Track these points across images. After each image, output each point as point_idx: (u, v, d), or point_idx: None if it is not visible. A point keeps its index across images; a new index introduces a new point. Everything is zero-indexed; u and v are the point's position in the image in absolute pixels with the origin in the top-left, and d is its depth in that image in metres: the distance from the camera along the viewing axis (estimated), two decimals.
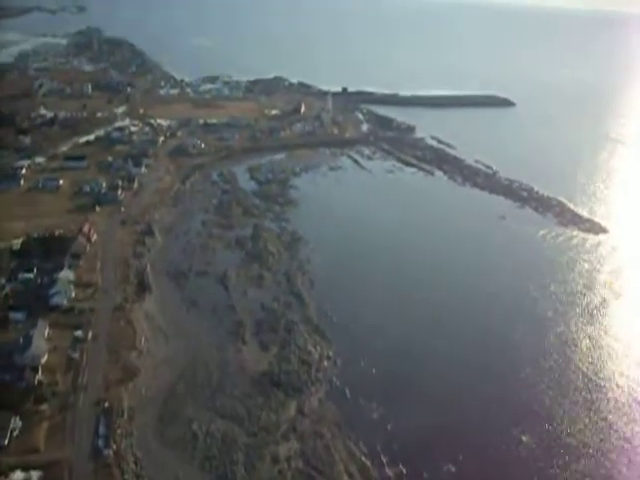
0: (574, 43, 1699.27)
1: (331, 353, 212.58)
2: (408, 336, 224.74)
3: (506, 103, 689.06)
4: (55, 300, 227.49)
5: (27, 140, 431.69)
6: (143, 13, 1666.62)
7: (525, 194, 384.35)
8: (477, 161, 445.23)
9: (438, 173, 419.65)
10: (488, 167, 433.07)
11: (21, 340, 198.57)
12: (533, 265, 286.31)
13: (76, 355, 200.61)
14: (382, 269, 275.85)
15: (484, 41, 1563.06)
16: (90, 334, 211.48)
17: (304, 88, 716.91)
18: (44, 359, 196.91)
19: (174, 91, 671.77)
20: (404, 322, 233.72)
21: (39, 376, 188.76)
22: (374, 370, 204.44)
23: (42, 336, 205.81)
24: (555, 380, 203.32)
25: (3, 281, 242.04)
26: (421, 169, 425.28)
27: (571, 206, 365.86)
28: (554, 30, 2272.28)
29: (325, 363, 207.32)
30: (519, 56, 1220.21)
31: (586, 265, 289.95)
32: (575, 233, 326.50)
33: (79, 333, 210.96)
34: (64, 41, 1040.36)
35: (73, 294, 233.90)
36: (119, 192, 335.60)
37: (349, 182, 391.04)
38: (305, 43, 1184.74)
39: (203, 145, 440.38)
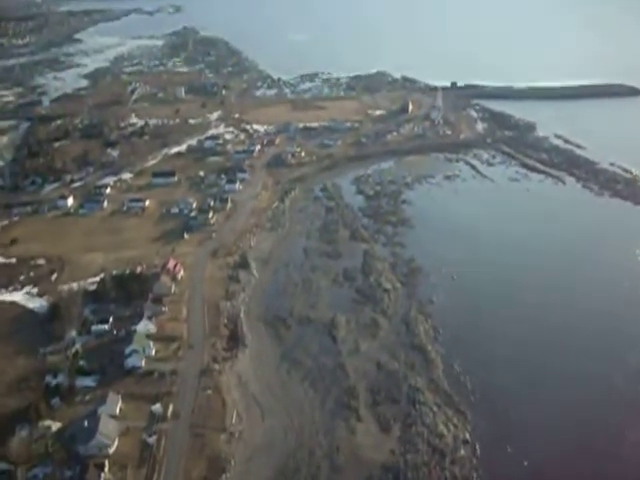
0: None
1: (468, 435, 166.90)
2: (567, 406, 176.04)
3: (633, 92, 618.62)
4: (131, 362, 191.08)
5: (115, 153, 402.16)
6: (239, 11, 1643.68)
7: None
8: (612, 164, 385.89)
9: (569, 180, 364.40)
10: (627, 171, 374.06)
11: (86, 423, 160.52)
12: None
13: (152, 440, 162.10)
14: (521, 309, 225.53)
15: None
16: (171, 409, 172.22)
17: (409, 83, 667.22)
18: (113, 447, 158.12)
19: (271, 92, 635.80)
20: (558, 384, 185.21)
21: (105, 474, 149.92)
22: (526, 461, 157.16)
23: (112, 414, 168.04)
24: None
25: (74, 334, 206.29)
26: (549, 175, 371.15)
27: None
28: None
29: (462, 451, 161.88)
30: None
31: None
32: None
33: (157, 408, 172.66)
34: (159, 42, 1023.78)
35: (153, 352, 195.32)
36: (210, 215, 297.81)
37: (469, 194, 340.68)
38: (405, 35, 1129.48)
39: (303, 154, 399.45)
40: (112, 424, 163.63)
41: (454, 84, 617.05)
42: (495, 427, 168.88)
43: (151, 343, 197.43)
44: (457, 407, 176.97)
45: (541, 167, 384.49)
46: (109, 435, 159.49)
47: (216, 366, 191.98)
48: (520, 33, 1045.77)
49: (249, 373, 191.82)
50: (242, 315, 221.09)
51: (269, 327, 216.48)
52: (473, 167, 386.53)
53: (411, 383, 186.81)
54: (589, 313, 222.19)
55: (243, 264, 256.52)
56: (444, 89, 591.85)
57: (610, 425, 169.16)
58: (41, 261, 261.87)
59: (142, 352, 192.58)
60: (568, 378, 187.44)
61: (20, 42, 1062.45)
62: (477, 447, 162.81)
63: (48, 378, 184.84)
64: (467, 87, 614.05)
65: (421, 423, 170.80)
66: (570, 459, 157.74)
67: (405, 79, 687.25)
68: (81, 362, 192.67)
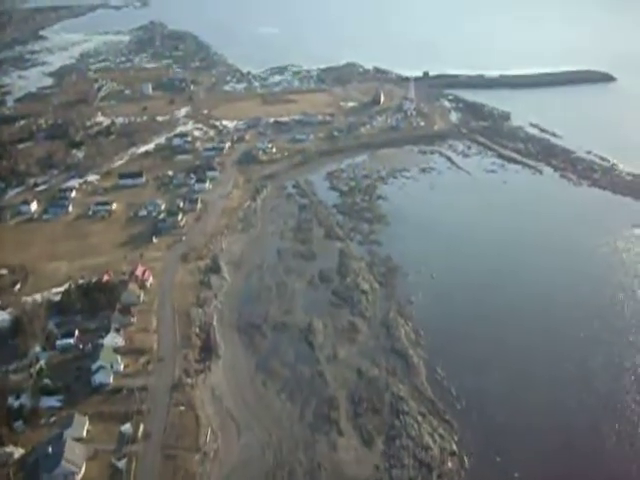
0: None
1: (455, 446, 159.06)
2: (558, 412, 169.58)
3: (606, 78, 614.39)
4: (98, 379, 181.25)
5: (80, 154, 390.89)
6: (209, 4, 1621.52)
7: None
8: (589, 152, 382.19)
9: (547, 170, 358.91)
10: (604, 159, 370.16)
11: (50, 449, 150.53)
12: None
13: (122, 464, 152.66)
14: (504, 308, 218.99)
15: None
16: (141, 429, 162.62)
17: (380, 74, 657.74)
18: (80, 474, 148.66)
19: (240, 86, 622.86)
20: (547, 388, 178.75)
21: None
22: (517, 472, 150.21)
23: (79, 437, 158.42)
24: None
25: (38, 350, 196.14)
26: (526, 166, 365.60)
27: None
28: None
29: (449, 464, 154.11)
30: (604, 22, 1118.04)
31: None
32: None
33: (127, 428, 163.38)
34: (126, 38, 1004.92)
35: (121, 367, 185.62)
36: (180, 217, 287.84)
37: (445, 187, 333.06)
38: (376, 27, 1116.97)
39: (274, 149, 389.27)
40: (79, 448, 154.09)
41: (426, 74, 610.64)
42: (483, 436, 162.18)
43: (119, 358, 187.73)
44: (442, 416, 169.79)
45: (517, 157, 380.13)
46: (75, 461, 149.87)
47: (188, 380, 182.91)
48: (491, 24, 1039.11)
49: (223, 386, 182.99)
50: (215, 323, 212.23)
51: (243, 335, 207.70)
52: (448, 159, 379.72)
53: (393, 391, 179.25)
54: (574, 311, 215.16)
55: (214, 268, 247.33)
56: (416, 79, 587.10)
57: (602, 430, 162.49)
58: (3, 271, 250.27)
59: (110, 368, 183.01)
60: (557, 381, 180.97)
61: None
62: (465, 459, 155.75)
63: (10, 399, 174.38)
64: (439, 77, 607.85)
65: (406, 435, 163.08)
66: (563, 468, 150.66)
67: (376, 70, 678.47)
68: (45, 380, 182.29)
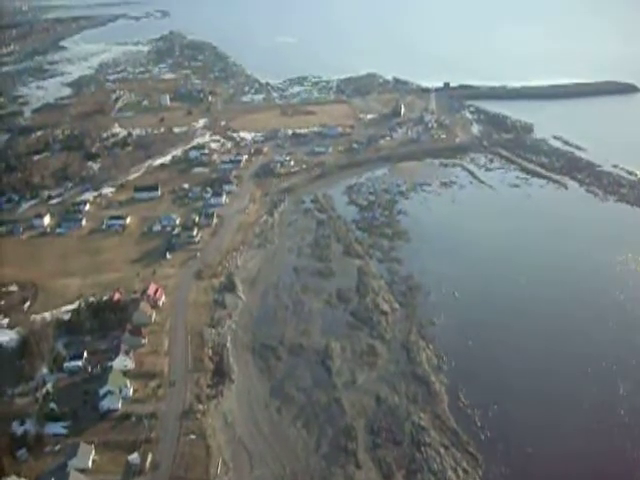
0: None
1: None
2: (592, 444, 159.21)
3: (630, 89, 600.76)
4: (106, 404, 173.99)
5: (95, 167, 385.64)
6: (228, 15, 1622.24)
7: None
8: (615, 166, 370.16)
9: (572, 184, 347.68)
10: (631, 173, 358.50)
11: None
12: None
13: None
14: (531, 330, 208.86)
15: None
16: (149, 459, 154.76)
17: (401, 85, 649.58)
18: None
19: (259, 97, 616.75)
20: (579, 418, 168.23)
21: None
22: None
23: (84, 468, 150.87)
24: None
25: (45, 372, 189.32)
26: (551, 180, 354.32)
27: None
28: None
29: None
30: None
31: None
32: None
33: (135, 458, 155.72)
34: (145, 48, 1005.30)
35: (130, 391, 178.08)
36: (195, 232, 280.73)
37: (468, 202, 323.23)
38: (395, 37, 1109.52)
39: (293, 162, 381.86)
40: None
41: (447, 85, 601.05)
42: (509, 471, 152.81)
43: (128, 382, 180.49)
44: (466, 448, 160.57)
45: (542, 171, 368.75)
46: None
47: (200, 406, 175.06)
48: (509, 34, 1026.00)
49: (236, 413, 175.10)
50: (228, 345, 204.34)
51: (257, 358, 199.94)
52: (470, 173, 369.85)
53: (414, 420, 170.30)
54: (604, 332, 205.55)
55: (229, 286, 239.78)
56: (437, 90, 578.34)
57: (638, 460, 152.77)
58: (13, 288, 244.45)
59: (118, 393, 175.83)
60: (588, 408, 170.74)
61: (4, 50, 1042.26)
62: None
63: (15, 426, 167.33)
64: (460, 87, 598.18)
65: (427, 469, 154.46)
66: None
67: (397, 80, 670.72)
68: (51, 405, 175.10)
